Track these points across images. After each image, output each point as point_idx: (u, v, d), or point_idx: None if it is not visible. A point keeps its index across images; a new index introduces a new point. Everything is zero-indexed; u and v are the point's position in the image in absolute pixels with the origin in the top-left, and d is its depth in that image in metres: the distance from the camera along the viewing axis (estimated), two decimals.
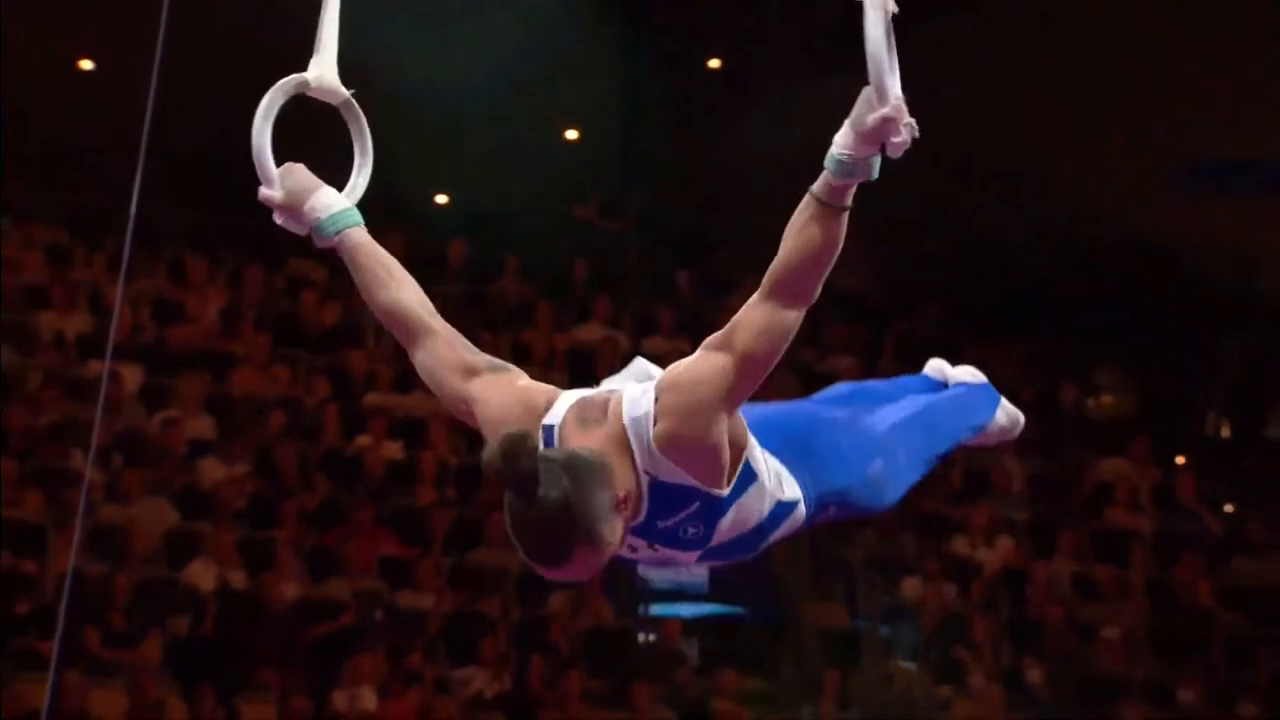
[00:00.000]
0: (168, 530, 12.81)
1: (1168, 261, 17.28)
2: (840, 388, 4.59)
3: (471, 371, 4.08)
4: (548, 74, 14.37)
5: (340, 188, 4.15)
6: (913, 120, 3.60)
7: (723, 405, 3.78)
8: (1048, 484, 15.31)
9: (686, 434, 3.77)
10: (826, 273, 3.72)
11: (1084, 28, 14.36)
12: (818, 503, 4.07)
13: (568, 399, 3.91)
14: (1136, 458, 15.55)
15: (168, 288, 15.24)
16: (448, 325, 4.12)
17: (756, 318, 3.77)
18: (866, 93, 3.61)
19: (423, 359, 4.16)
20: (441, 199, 17.22)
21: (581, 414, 3.85)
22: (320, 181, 4.13)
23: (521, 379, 4.03)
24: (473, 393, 4.05)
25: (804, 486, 4.04)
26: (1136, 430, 16.05)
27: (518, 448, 3.58)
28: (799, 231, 3.70)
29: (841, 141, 3.64)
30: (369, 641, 12.30)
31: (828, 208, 3.68)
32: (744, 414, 3.92)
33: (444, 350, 4.12)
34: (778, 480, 4.01)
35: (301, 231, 4.14)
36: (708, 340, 3.82)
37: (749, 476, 3.92)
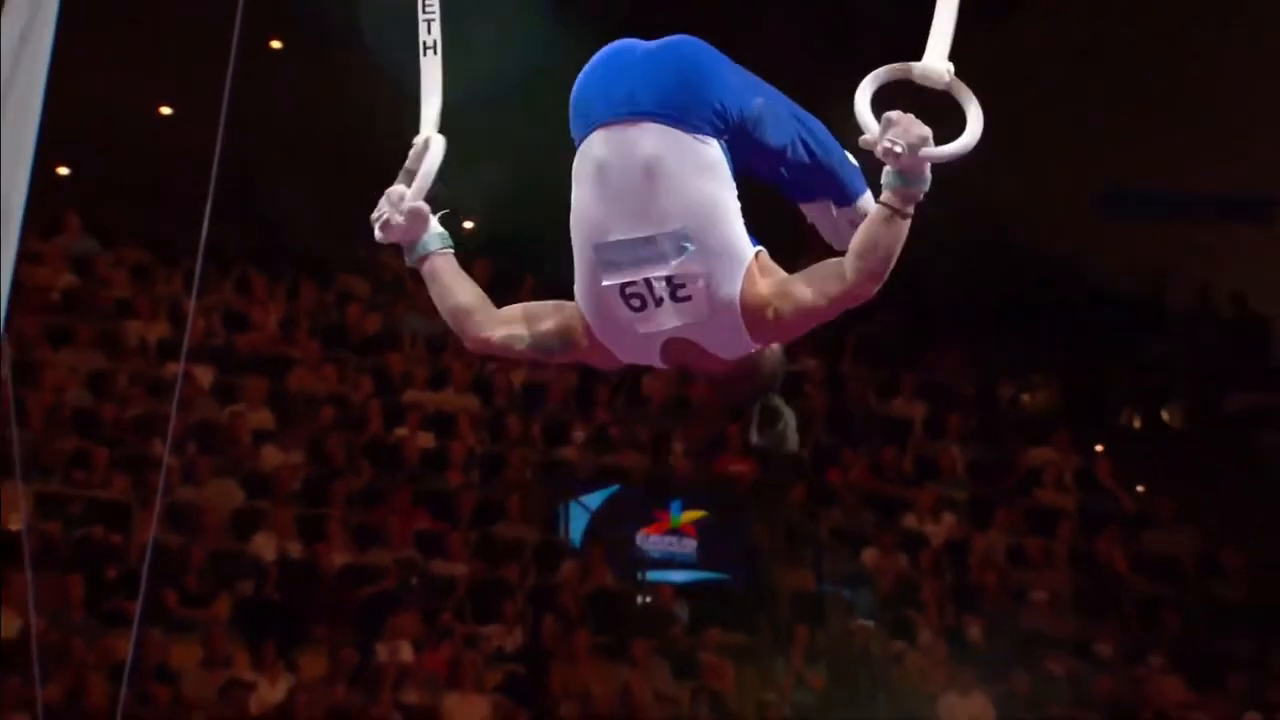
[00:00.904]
0: (235, 507, 12.83)
1: (1090, 279, 17.31)
2: None
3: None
4: (560, 119, 14.34)
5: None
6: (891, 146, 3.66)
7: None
8: (985, 468, 15.31)
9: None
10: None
11: (1023, 69, 14.38)
12: (718, 132, 3.89)
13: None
14: (1061, 446, 15.55)
15: (235, 300, 15.25)
16: (505, 311, 4.22)
17: (833, 275, 3.82)
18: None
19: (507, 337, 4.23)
20: (468, 224, 17.22)
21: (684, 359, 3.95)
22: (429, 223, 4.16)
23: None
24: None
25: (709, 121, 3.88)
26: (1061, 422, 16.05)
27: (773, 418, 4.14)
28: (889, 233, 3.74)
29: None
30: (407, 603, 12.31)
31: (904, 214, 3.74)
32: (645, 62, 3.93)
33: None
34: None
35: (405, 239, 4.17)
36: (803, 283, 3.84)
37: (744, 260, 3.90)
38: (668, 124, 3.82)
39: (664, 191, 3.82)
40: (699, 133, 3.82)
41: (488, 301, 4.22)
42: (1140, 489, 15.67)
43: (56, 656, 10.71)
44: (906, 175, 3.67)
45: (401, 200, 4.14)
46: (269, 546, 12.51)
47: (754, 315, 3.82)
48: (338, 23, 13.78)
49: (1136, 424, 17.70)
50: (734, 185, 3.88)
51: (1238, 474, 15.85)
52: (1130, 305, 17.50)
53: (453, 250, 4.21)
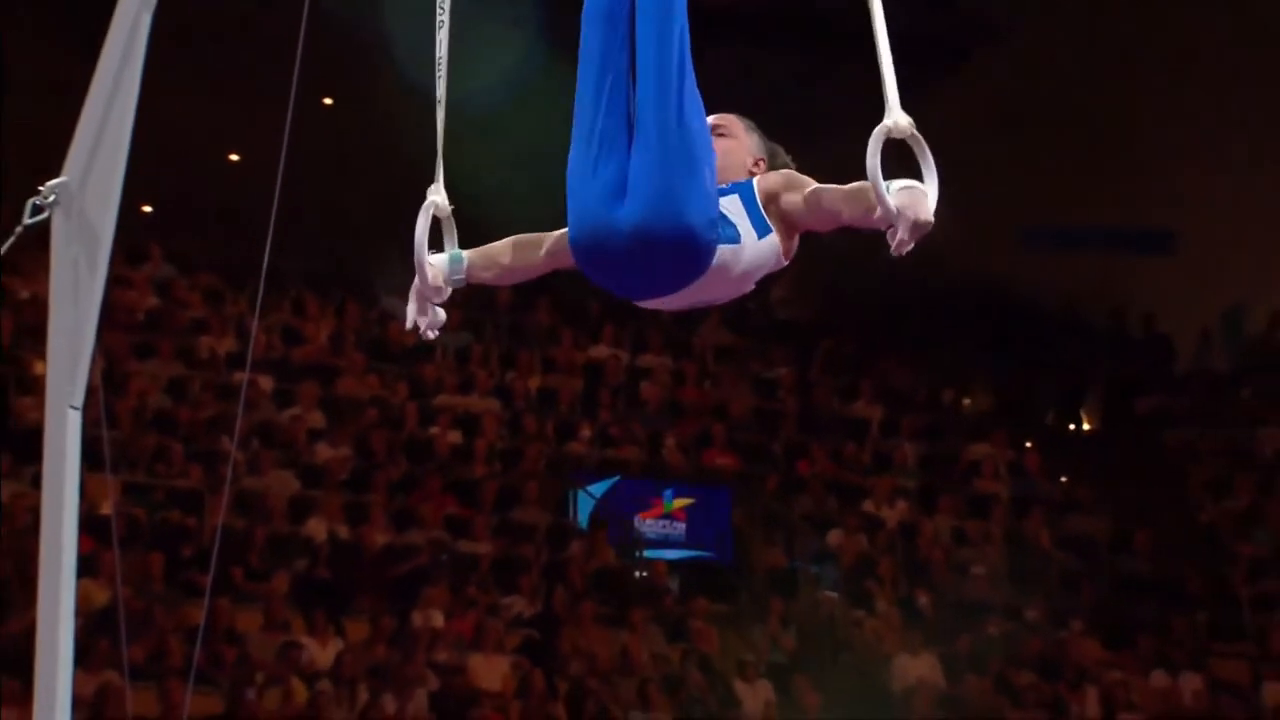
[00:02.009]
0: (291, 495, 12.81)
1: (1020, 301, 17.32)
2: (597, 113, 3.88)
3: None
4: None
5: None
6: (903, 238, 3.46)
7: (790, 186, 3.84)
8: (933, 461, 15.30)
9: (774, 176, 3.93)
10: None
11: (961, 126, 14.40)
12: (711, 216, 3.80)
13: None
14: (997, 442, 15.54)
15: (291, 319, 15.24)
16: (551, 235, 4.08)
17: (827, 192, 3.77)
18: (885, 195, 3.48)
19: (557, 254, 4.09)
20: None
21: None
22: (425, 260, 4.03)
23: None
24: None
25: (712, 252, 3.77)
26: (997, 423, 16.05)
27: None
28: (863, 202, 3.61)
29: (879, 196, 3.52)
30: (437, 577, 12.29)
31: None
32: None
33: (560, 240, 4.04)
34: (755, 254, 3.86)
35: (437, 297, 4.06)
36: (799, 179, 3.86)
37: (760, 225, 3.84)
38: (686, 287, 3.82)
39: (708, 297, 3.89)
40: (710, 267, 3.79)
41: (524, 247, 4.14)
42: (1063, 479, 15.67)
43: (140, 622, 10.69)
44: None
45: (421, 302, 4.07)
46: (320, 528, 12.49)
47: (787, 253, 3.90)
48: (378, 85, 13.79)
49: (1060, 424, 17.70)
50: (743, 233, 3.83)
51: (1145, 466, 15.87)
52: (1054, 323, 17.51)
53: (465, 255, 4.13)
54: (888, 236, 3.50)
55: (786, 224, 3.88)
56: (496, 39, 12.63)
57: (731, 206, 3.85)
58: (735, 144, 4.05)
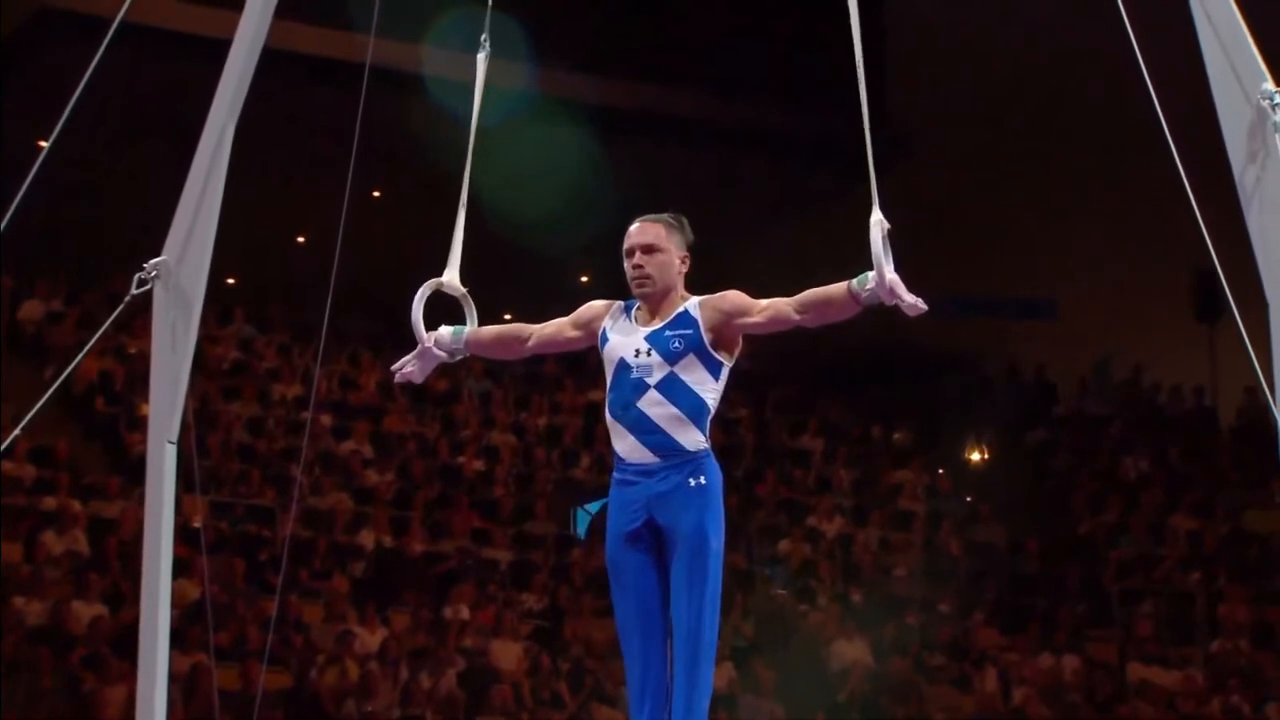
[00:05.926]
0: (347, 512, 12.78)
1: (934, 357, 17.36)
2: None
3: (569, 324, 4.08)
4: (575, 242, 14.31)
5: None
6: (915, 300, 3.60)
7: (742, 312, 3.79)
8: (864, 484, 15.30)
9: (717, 304, 3.85)
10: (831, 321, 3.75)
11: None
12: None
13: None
14: (915, 469, 15.55)
15: (348, 369, 15.25)
16: (540, 326, 4.12)
17: (783, 306, 3.78)
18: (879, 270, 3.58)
19: (542, 342, 4.11)
20: (508, 316, 17.18)
21: None
22: (427, 334, 4.10)
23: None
24: (576, 321, 4.07)
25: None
26: (916, 453, 16.06)
27: None
28: (834, 299, 3.70)
29: (869, 282, 3.64)
30: (465, 577, 12.25)
31: (853, 300, 3.68)
32: None
33: (549, 330, 4.10)
34: (715, 402, 3.87)
35: (430, 357, 4.10)
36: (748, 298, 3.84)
37: (715, 368, 3.82)
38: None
39: None
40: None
41: (515, 335, 4.14)
42: (968, 498, 15.68)
43: (225, 613, 10.65)
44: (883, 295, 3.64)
45: (417, 357, 4.12)
46: (370, 539, 12.46)
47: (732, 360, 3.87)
48: (416, 182, 13.85)
49: (966, 453, 17.73)
50: (707, 398, 3.88)
51: (1034, 487, 15.89)
52: (962, 374, 17.57)
53: (466, 328, 4.13)
54: (901, 301, 3.61)
55: (734, 343, 3.85)
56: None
57: (694, 366, 3.84)
58: (667, 257, 3.95)
